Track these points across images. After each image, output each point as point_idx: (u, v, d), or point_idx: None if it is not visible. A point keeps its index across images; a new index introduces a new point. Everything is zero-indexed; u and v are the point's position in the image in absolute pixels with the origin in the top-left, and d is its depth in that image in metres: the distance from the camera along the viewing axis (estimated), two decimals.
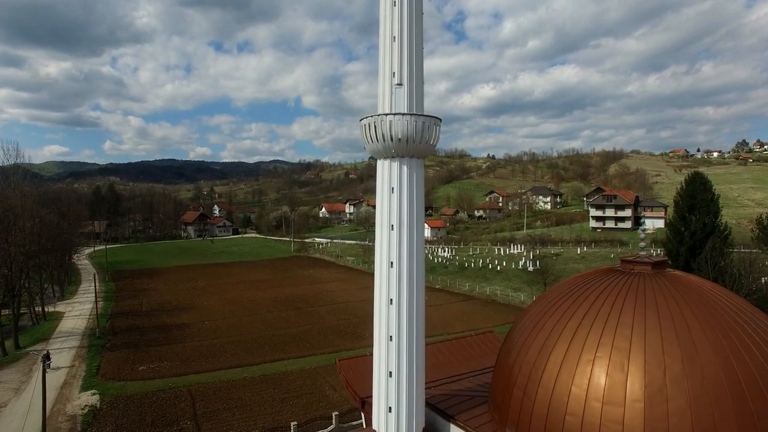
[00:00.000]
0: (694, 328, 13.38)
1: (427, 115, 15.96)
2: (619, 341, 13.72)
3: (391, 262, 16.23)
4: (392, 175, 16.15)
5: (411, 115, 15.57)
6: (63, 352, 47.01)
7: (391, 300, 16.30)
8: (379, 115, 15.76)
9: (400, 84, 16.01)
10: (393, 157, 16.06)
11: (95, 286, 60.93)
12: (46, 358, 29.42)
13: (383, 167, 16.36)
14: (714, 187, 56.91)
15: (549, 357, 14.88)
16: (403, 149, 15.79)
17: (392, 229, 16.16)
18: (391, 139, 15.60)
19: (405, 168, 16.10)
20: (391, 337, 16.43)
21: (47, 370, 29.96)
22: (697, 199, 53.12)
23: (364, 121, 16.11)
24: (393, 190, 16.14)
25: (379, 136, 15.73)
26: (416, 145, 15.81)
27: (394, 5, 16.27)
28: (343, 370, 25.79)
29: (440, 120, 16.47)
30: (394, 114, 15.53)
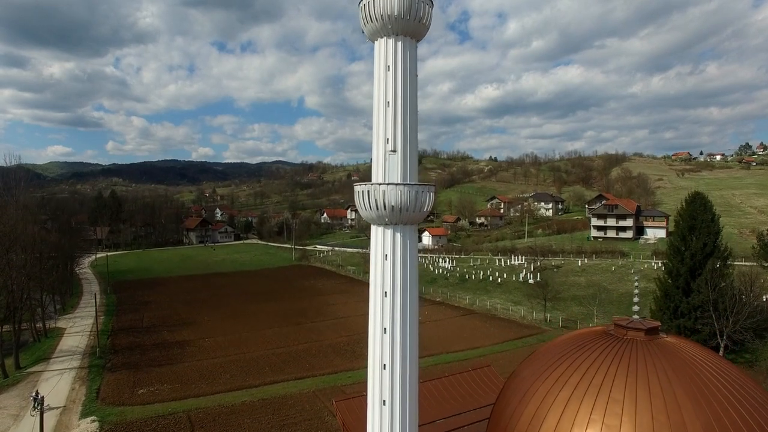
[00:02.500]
0: (685, 408, 13.40)
1: (420, 184, 16.02)
2: (610, 419, 13.75)
3: (385, 328, 16.28)
4: (386, 243, 16.20)
5: (405, 185, 15.62)
6: (64, 373, 47.19)
7: (385, 365, 16.35)
8: (372, 184, 15.83)
9: (393, 150, 16.06)
10: (386, 224, 16.11)
11: (96, 305, 61.10)
12: (42, 402, 29.57)
13: (377, 234, 16.42)
14: (714, 208, 56.89)
15: (540, 428, 14.92)
16: (397, 217, 15.85)
17: (386, 295, 16.21)
18: (385, 208, 15.66)
19: (398, 235, 16.16)
20: (384, 401, 16.48)
21: (42, 409, 30.17)
22: (697, 220, 53.14)
23: (358, 188, 16.18)
24: (386, 257, 16.19)
25: (373, 204, 15.78)
26: (410, 214, 15.86)
27: (388, 70, 16.33)
28: (341, 411, 25.90)
29: (434, 186, 16.53)
30: (387, 184, 15.59)
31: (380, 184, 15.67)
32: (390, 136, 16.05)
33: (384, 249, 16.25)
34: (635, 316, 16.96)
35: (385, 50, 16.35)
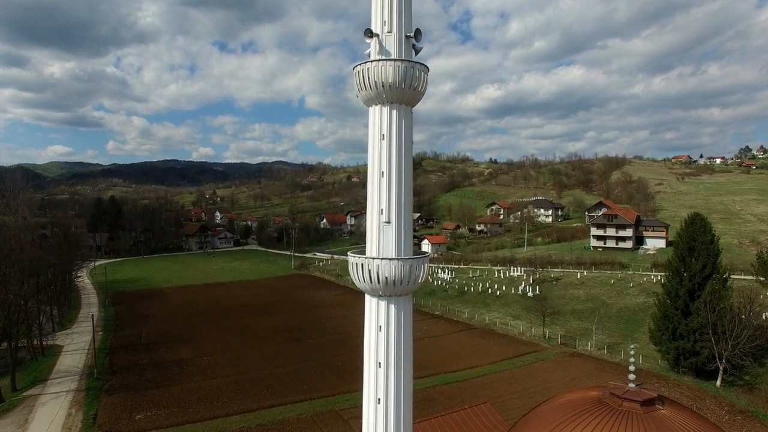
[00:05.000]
0: None
1: (414, 257, 15.90)
2: None
3: (379, 399, 16.18)
4: (380, 314, 16.10)
5: (399, 259, 15.51)
6: (61, 396, 47.06)
7: None
8: (366, 258, 15.72)
9: (388, 222, 15.95)
10: (381, 295, 16.00)
11: (93, 324, 60.93)
12: None
13: (371, 305, 16.32)
14: (713, 227, 56.68)
15: None
16: (391, 290, 15.74)
17: (380, 366, 16.12)
18: (379, 281, 15.56)
19: (393, 307, 16.05)
20: None
21: None
22: (696, 241, 52.94)
23: (353, 260, 16.08)
24: (381, 328, 16.09)
25: (367, 277, 15.68)
26: (404, 287, 15.75)
27: (383, 139, 16.20)
28: None
29: (428, 257, 16.43)
30: (381, 259, 15.48)
31: (374, 258, 15.55)
32: (384, 207, 15.94)
33: (378, 320, 16.15)
34: (631, 385, 16.84)
35: (380, 118, 16.23)
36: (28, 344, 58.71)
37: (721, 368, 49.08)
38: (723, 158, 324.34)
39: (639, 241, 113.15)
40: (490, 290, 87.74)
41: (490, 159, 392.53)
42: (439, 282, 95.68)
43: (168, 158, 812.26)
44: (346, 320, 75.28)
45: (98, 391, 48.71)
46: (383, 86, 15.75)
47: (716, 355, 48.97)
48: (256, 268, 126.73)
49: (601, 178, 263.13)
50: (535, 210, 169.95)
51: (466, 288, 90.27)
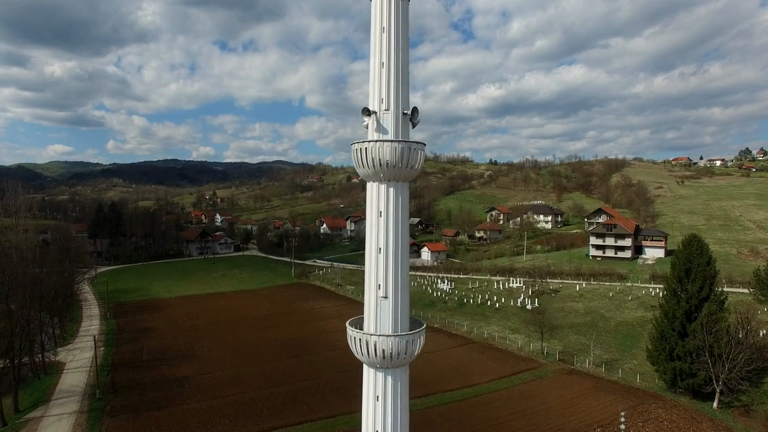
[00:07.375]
0: None
1: (411, 333, 16.35)
2: None
3: None
4: (377, 385, 16.57)
5: (395, 336, 15.98)
6: (63, 419, 47.56)
7: None
8: (364, 333, 16.18)
9: (385, 297, 16.40)
10: (378, 367, 16.45)
11: (95, 343, 61.40)
12: None
13: (369, 375, 16.80)
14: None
15: None
16: (388, 363, 16.20)
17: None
18: (376, 355, 16.02)
19: (390, 378, 16.52)
20: None
21: None
22: (693, 263, 53.34)
23: (352, 334, 16.53)
24: (378, 398, 16.56)
25: (364, 350, 16.16)
26: (400, 360, 16.21)
27: (380, 216, 16.64)
28: None
29: (424, 329, 16.88)
30: (379, 335, 15.95)
31: (372, 334, 16.01)
32: (381, 282, 16.40)
33: (375, 391, 16.62)
34: None
35: (377, 195, 16.68)
36: (30, 361, 59.25)
37: (718, 390, 49.54)
38: (723, 160, 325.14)
39: (638, 250, 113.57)
40: (489, 302, 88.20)
41: (490, 160, 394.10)
42: (439, 293, 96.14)
43: (168, 158, 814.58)
44: (345, 333, 75.64)
45: (100, 412, 49.12)
46: (380, 164, 16.18)
47: (713, 378, 49.44)
48: (256, 276, 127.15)
49: (601, 180, 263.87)
50: (535, 216, 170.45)
51: (465, 300, 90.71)
